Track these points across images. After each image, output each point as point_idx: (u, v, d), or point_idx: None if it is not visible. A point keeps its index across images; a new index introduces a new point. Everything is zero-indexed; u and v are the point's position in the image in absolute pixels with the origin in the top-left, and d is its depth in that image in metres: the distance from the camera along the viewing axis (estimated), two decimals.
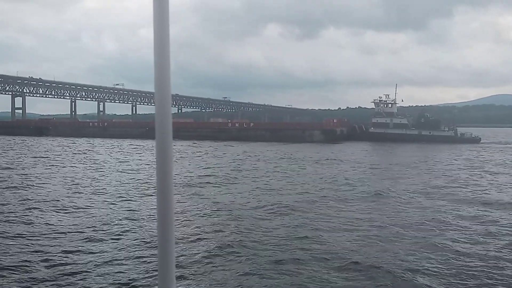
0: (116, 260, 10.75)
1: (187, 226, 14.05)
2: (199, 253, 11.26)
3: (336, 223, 14.62)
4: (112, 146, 56.58)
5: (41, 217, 15.03)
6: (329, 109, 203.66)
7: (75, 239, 12.48)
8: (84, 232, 13.12)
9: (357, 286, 9.35)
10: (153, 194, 18.16)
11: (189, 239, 12.43)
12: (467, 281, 9.63)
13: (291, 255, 11.20)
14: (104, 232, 13.26)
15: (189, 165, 32.87)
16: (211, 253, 11.24)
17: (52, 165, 32.12)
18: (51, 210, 16.28)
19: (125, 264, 10.46)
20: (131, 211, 16.27)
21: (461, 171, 31.53)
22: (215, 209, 16.85)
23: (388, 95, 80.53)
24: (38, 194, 19.47)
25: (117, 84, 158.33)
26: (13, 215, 15.20)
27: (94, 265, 10.36)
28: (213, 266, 10.36)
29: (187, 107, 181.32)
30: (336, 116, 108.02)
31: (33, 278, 9.48)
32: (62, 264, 10.36)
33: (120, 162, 35.89)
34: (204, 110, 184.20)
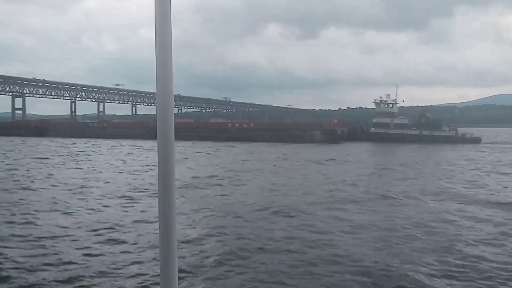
0: (117, 260, 10.61)
1: (190, 228, 13.78)
2: (202, 255, 11.01)
3: (344, 225, 14.28)
4: (113, 147, 56.31)
5: (45, 219, 14.82)
6: (329, 109, 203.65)
7: (77, 239, 12.31)
8: (87, 233, 12.97)
9: None
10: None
11: (191, 241, 12.16)
12: (482, 284, 9.41)
13: (299, 259, 10.87)
14: (106, 232, 13.10)
15: (188, 166, 32.60)
16: (214, 256, 10.97)
17: (54, 166, 31.83)
18: (54, 211, 16.06)
19: (127, 264, 10.33)
20: (135, 212, 16.11)
21: (466, 171, 31.19)
22: (217, 210, 16.57)
23: (389, 95, 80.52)
24: (41, 195, 19.22)
25: (117, 85, 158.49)
26: (16, 218, 14.98)
27: (95, 265, 10.22)
28: (217, 269, 10.11)
29: (187, 107, 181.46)
30: (337, 116, 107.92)
31: (40, 278, 9.36)
32: (63, 264, 10.24)
33: (121, 162, 35.63)
34: (204, 111, 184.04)
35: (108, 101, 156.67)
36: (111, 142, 65.76)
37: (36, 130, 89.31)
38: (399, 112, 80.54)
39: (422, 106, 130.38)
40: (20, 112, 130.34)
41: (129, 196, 19.42)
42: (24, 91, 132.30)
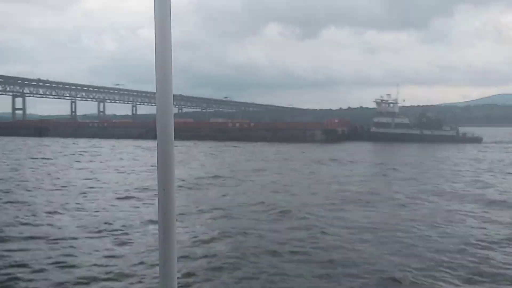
0: (118, 260, 10.58)
1: (192, 229, 13.58)
2: (204, 257, 10.81)
3: (352, 228, 13.93)
4: (113, 147, 56.18)
5: (50, 220, 14.71)
6: (330, 109, 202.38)
7: (79, 240, 12.25)
8: (89, 233, 12.92)
9: None
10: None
11: (193, 243, 11.96)
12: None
13: (312, 261, 10.60)
14: (107, 232, 13.01)
15: (192, 166, 32.42)
16: (216, 259, 10.75)
17: (58, 167, 31.76)
18: (58, 212, 15.92)
19: (128, 264, 10.28)
20: (139, 212, 15.98)
21: (471, 171, 30.96)
22: (224, 211, 16.37)
23: (389, 95, 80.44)
24: (50, 196, 19.09)
25: (118, 84, 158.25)
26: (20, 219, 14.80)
27: (96, 265, 10.17)
28: (219, 272, 9.91)
29: (187, 107, 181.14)
30: (338, 116, 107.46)
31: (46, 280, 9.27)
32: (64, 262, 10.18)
33: (127, 162, 35.50)
34: (204, 110, 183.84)
35: (108, 101, 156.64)
36: (112, 142, 65.72)
37: (36, 130, 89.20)
38: (400, 112, 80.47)
39: (423, 105, 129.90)
40: (20, 112, 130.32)
41: (137, 197, 19.31)
42: (24, 91, 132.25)
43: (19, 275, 9.54)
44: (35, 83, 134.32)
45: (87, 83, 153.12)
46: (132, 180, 24.51)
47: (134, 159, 38.86)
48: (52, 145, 58.03)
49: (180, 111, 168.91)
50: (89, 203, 17.64)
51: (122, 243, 12.04)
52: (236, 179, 25.53)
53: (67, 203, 17.42)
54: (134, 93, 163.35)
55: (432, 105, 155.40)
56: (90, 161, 36.71)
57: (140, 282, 9.27)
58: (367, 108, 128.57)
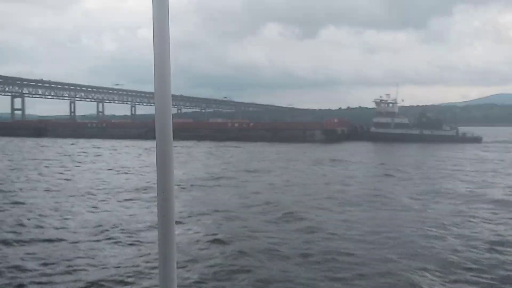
0: (118, 260, 10.53)
1: (193, 231, 13.41)
2: (204, 260, 10.63)
3: (359, 230, 13.60)
4: (113, 147, 56.02)
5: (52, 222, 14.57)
6: (330, 109, 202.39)
7: (80, 241, 12.17)
8: (91, 235, 12.82)
9: None
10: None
11: (194, 245, 11.78)
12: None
13: (321, 264, 10.34)
14: (109, 233, 12.96)
15: (194, 166, 32.26)
16: (217, 262, 10.56)
17: (61, 167, 31.66)
18: (67, 215, 15.75)
19: (128, 264, 10.21)
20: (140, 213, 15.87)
21: (475, 171, 30.72)
22: (224, 213, 16.12)
23: (389, 95, 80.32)
24: (57, 198, 18.91)
25: (117, 84, 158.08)
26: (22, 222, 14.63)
27: (97, 265, 10.12)
28: (220, 275, 9.74)
29: (187, 107, 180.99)
30: (337, 115, 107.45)
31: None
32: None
33: (123, 163, 35.32)
34: (204, 110, 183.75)
35: (108, 101, 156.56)
36: (112, 142, 65.52)
37: (35, 130, 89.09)
38: (400, 112, 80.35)
39: (423, 105, 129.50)
40: (19, 112, 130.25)
41: (136, 196, 19.22)
42: (24, 92, 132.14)
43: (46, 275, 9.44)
44: (34, 83, 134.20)
45: (87, 83, 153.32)
46: (138, 181, 24.30)
47: (137, 159, 38.69)
48: (51, 146, 57.92)
49: (179, 111, 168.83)
50: (102, 205, 17.54)
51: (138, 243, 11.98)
52: (239, 179, 25.32)
53: (75, 206, 17.29)
54: (133, 94, 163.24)
55: (431, 105, 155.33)
56: (93, 162, 36.45)
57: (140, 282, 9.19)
58: (366, 108, 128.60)
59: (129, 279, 9.38)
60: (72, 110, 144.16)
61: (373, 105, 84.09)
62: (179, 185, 21.59)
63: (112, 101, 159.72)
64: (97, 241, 12.24)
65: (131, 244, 11.94)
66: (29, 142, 66.02)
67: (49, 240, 12.20)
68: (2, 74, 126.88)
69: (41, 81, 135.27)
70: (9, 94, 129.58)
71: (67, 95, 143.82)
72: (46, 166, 32.10)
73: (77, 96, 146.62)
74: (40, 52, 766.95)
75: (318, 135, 72.45)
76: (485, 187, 23.17)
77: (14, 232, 12.97)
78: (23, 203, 17.46)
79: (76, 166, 32.72)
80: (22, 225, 13.93)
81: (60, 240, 12.20)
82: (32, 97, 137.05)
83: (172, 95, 1.42)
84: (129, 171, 29.59)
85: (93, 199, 18.80)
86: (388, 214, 16.17)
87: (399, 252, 11.32)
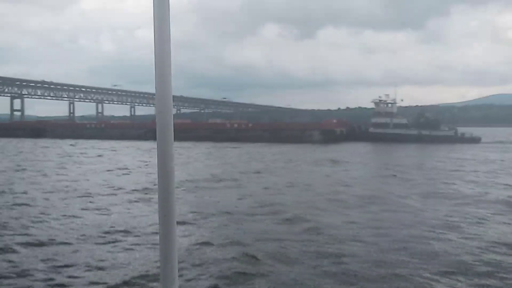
0: (118, 260, 10.57)
1: (194, 233, 13.39)
2: (205, 262, 10.59)
3: (367, 232, 13.45)
4: (113, 148, 55.95)
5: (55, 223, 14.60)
6: (328, 109, 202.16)
7: (82, 241, 12.21)
8: (91, 236, 12.84)
9: None
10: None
11: (195, 248, 11.74)
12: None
13: (327, 271, 10.06)
14: (109, 234, 13.00)
15: (191, 167, 32.28)
16: (218, 264, 10.51)
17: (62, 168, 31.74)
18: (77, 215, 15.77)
19: (128, 265, 10.27)
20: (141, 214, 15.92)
21: (477, 172, 30.63)
22: (228, 215, 15.98)
23: (387, 95, 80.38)
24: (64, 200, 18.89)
25: (116, 85, 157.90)
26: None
27: (96, 266, 10.16)
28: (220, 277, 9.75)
29: (185, 108, 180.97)
30: (336, 116, 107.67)
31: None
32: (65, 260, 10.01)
33: (125, 163, 35.30)
34: (203, 111, 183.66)
35: (107, 102, 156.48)
36: (111, 143, 65.35)
37: (34, 131, 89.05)
38: (398, 112, 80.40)
39: (421, 106, 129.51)
40: (18, 113, 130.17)
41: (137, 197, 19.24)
42: (23, 92, 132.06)
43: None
44: (33, 84, 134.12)
45: (86, 84, 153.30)
46: (144, 182, 24.21)
47: (138, 160, 38.68)
48: (50, 146, 57.84)
49: (178, 111, 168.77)
50: (108, 206, 17.51)
51: (114, 242, 12.05)
52: (241, 181, 25.26)
53: (82, 207, 17.28)
54: (133, 94, 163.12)
55: (430, 105, 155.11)
56: (93, 163, 36.32)
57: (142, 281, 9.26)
58: (365, 108, 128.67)
59: (137, 281, 9.45)
60: (71, 111, 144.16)
61: (372, 106, 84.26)
62: (179, 187, 21.54)
63: (111, 102, 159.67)
64: (106, 243, 12.22)
65: (138, 245, 11.99)
66: (28, 143, 65.89)
67: (63, 243, 12.20)
68: (1, 75, 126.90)
69: (43, 82, 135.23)
70: (8, 95, 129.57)
71: (66, 96, 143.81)
72: (48, 167, 32.09)
73: (76, 96, 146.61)
74: (38, 52, 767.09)
75: (317, 136, 72.45)
76: (490, 187, 23.15)
77: (22, 235, 12.97)
78: (28, 205, 17.46)
79: (78, 167, 32.71)
80: (29, 227, 13.94)
81: (68, 244, 12.19)
82: (31, 98, 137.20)
83: (172, 96, 1.43)
84: (130, 172, 29.64)
85: (99, 200, 18.80)
86: (396, 216, 15.97)
87: (412, 254, 11.18)
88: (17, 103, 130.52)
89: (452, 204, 18.31)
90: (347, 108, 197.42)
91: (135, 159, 39.74)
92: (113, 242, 12.30)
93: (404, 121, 77.83)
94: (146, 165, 33.16)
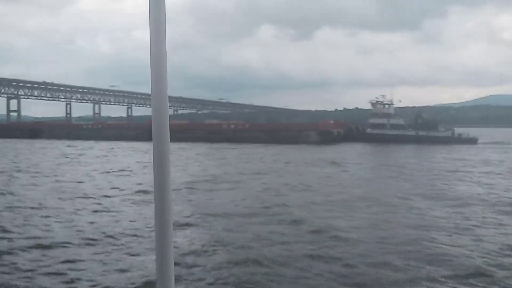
0: (118, 260, 10.53)
1: (194, 235, 13.23)
2: (205, 265, 10.44)
3: (372, 234, 13.28)
4: (111, 149, 55.65)
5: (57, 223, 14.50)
6: (326, 110, 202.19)
7: (82, 243, 12.13)
8: (89, 237, 12.77)
9: None
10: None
11: (194, 250, 11.60)
12: None
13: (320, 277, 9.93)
14: (107, 235, 12.92)
15: (189, 168, 32.12)
16: (219, 268, 10.35)
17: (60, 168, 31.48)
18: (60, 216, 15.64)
19: (126, 265, 10.23)
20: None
21: (478, 173, 30.44)
22: (228, 217, 15.84)
23: (384, 96, 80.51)
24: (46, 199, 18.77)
25: (113, 86, 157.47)
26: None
27: (96, 265, 10.13)
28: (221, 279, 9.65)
29: (182, 109, 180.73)
30: (333, 117, 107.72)
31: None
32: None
33: (125, 164, 35.11)
34: (200, 112, 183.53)
35: (104, 102, 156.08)
36: (109, 144, 64.91)
37: (31, 132, 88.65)
38: (395, 113, 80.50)
39: (418, 106, 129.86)
40: (15, 114, 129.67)
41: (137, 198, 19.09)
42: (19, 93, 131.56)
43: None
44: (29, 84, 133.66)
45: (83, 85, 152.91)
46: (143, 182, 24.06)
47: (137, 161, 38.53)
48: (47, 147, 57.57)
49: (175, 112, 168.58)
50: (111, 207, 17.44)
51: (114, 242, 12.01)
52: (241, 182, 25.10)
53: (86, 208, 17.18)
54: (129, 95, 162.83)
55: (427, 106, 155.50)
56: (91, 164, 36.11)
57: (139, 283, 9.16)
58: (362, 109, 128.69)
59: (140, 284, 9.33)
60: (68, 112, 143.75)
61: (369, 106, 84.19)
62: (180, 189, 21.41)
63: (108, 103, 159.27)
64: (106, 245, 12.14)
65: (140, 247, 11.87)
66: (25, 144, 65.57)
67: (64, 246, 12.06)
68: None
69: (43, 83, 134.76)
70: (5, 95, 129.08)
71: (63, 97, 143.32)
72: (46, 168, 31.86)
73: (73, 97, 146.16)
74: (35, 53, 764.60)
75: (314, 137, 72.27)
76: (490, 188, 23.08)
77: (23, 238, 12.83)
78: (32, 207, 17.30)
79: (76, 168, 32.50)
80: (29, 228, 13.82)
81: (68, 246, 12.06)
82: (28, 98, 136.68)
83: (169, 97, 1.43)
84: (130, 173, 29.46)
85: (102, 201, 18.70)
86: (400, 217, 15.84)
87: (420, 258, 11.03)
88: (13, 103, 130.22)
89: (455, 205, 18.22)
90: (344, 108, 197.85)
91: (134, 160, 39.52)
92: (115, 245, 12.16)
93: (401, 122, 77.90)
94: (145, 166, 32.96)
